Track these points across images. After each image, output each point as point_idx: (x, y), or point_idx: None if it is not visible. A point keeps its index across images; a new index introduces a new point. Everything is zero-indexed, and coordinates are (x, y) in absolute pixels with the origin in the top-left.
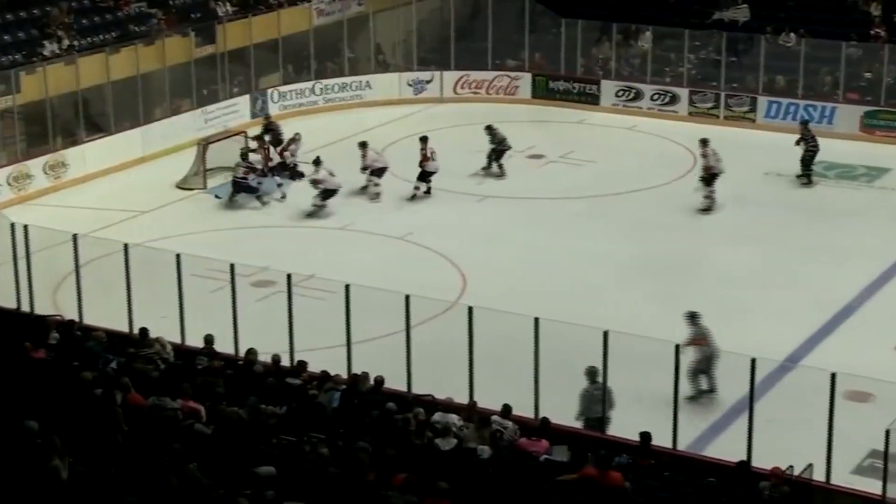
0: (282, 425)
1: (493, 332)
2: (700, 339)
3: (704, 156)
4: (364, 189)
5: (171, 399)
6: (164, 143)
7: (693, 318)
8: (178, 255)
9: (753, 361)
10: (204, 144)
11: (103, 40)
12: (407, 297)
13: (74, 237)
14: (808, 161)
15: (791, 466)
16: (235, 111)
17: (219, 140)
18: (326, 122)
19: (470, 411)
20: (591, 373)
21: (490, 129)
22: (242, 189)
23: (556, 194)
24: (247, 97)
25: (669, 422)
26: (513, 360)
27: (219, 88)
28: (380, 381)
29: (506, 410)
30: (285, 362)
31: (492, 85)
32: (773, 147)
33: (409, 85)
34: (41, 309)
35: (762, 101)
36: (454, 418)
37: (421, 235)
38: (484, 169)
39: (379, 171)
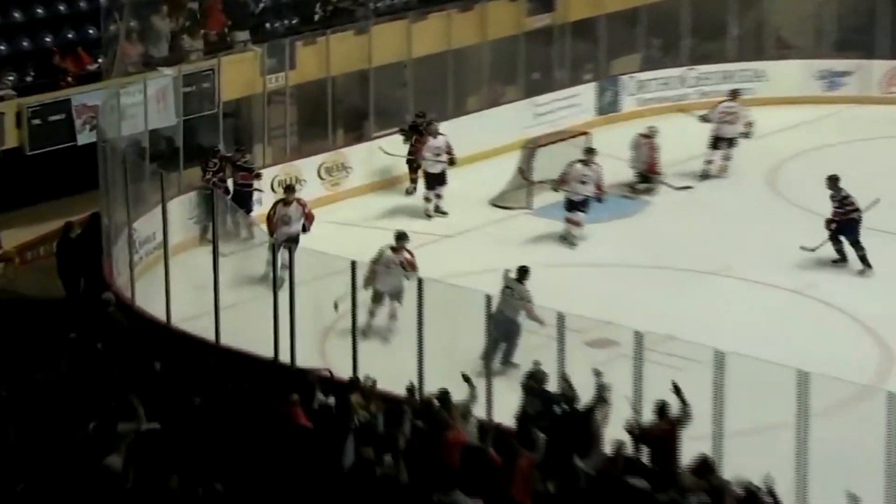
0: None
1: None
2: None
3: None
4: None
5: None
6: (478, 143)
7: None
8: (487, 297)
9: None
10: (531, 148)
11: (405, 3)
12: (804, 375)
13: (353, 265)
14: None
15: None
16: (575, 105)
17: (551, 143)
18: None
19: None
20: None
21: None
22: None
23: None
24: (592, 86)
25: None
26: None
27: (555, 72)
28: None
29: None
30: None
31: None
32: None
33: (820, 78)
34: (305, 359)
35: None
36: None
37: (827, 289)
38: None
39: None
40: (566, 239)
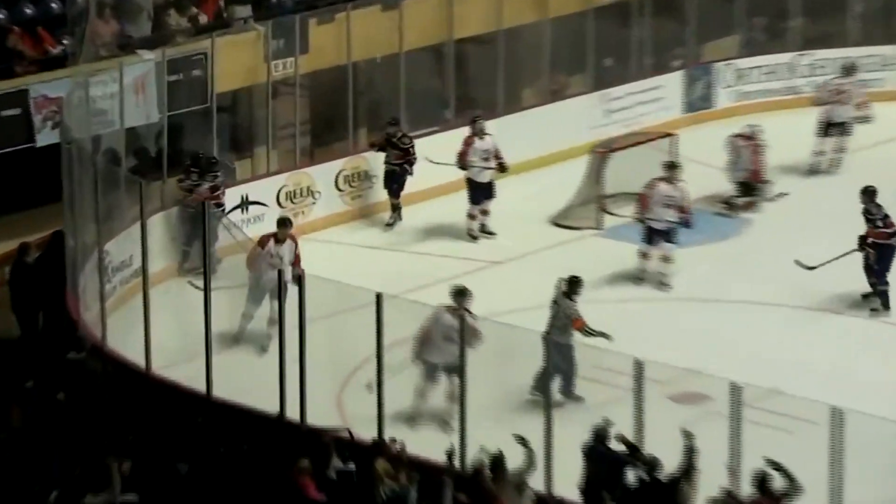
0: None
1: None
2: None
3: None
4: None
5: None
6: (535, 146)
7: None
8: (545, 338)
9: None
10: (602, 153)
11: None
12: None
13: (378, 298)
14: None
15: None
16: (658, 99)
17: (627, 147)
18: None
19: None
20: None
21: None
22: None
23: None
24: (678, 76)
25: None
26: None
27: (632, 59)
28: None
29: None
30: None
31: None
32: None
33: None
34: (318, 416)
35: None
36: None
37: None
38: None
39: None
40: (642, 279)
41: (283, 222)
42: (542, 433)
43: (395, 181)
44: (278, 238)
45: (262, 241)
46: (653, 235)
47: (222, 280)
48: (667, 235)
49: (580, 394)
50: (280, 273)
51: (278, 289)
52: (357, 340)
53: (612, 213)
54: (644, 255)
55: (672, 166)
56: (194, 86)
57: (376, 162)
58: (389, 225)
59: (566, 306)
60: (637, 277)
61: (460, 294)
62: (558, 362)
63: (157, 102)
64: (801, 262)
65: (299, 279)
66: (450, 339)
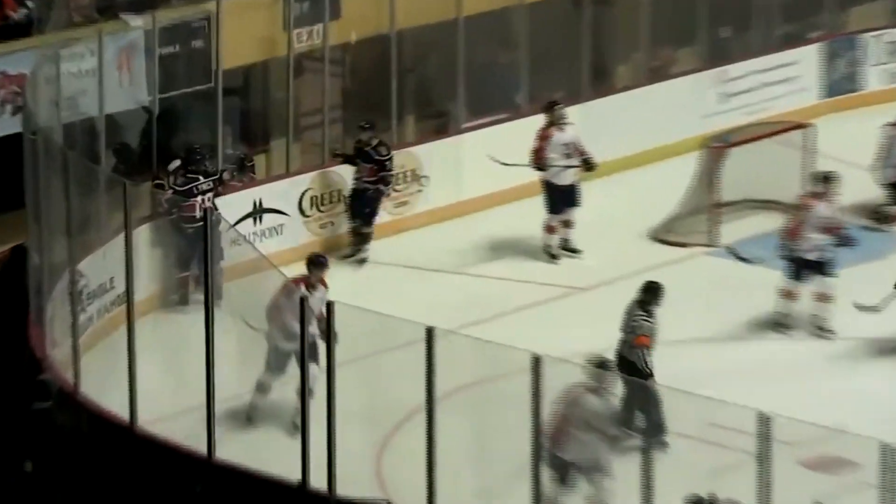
0: None
1: None
2: None
3: None
4: None
5: None
6: (631, 139)
7: None
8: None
9: None
10: (718, 148)
11: None
12: None
13: (429, 334)
14: None
15: None
16: (789, 79)
17: (751, 140)
18: None
19: None
20: None
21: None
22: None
23: None
24: (814, 50)
25: None
26: None
27: (755, 27)
28: None
29: None
30: None
31: None
32: None
33: None
34: (351, 484)
35: None
36: None
37: None
38: None
39: None
40: (786, 325)
41: (319, 262)
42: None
43: (366, 204)
44: (310, 282)
45: (290, 287)
46: (802, 269)
47: (228, 310)
48: (822, 267)
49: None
50: (307, 337)
51: (301, 353)
52: (401, 388)
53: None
54: (789, 295)
55: (828, 179)
56: (194, 61)
57: (429, 157)
58: (360, 261)
59: (636, 320)
60: (779, 323)
61: (603, 366)
62: (634, 394)
63: (147, 82)
64: (863, 304)
65: (328, 309)
66: (593, 428)
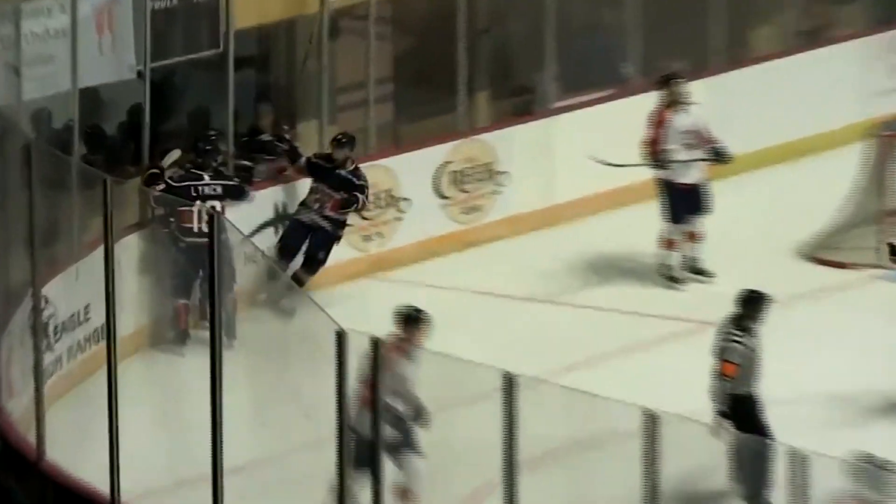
0: None
1: None
2: None
3: None
4: None
5: None
6: (773, 125)
7: None
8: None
9: None
10: (888, 137)
11: None
12: None
13: (509, 381)
14: None
15: None
16: None
17: None
18: None
19: None
20: None
21: None
22: None
23: None
24: None
25: None
26: None
27: None
28: None
29: None
30: None
31: None
32: None
33: None
34: None
35: None
36: None
37: None
38: None
39: None
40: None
41: (416, 318)
42: None
43: (320, 244)
44: (403, 347)
45: (377, 357)
46: None
47: (243, 351)
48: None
49: None
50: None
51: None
52: (474, 446)
53: None
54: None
55: None
56: (198, 19)
57: (508, 147)
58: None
59: (737, 341)
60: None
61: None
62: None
63: (135, 48)
64: None
65: (376, 346)
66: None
